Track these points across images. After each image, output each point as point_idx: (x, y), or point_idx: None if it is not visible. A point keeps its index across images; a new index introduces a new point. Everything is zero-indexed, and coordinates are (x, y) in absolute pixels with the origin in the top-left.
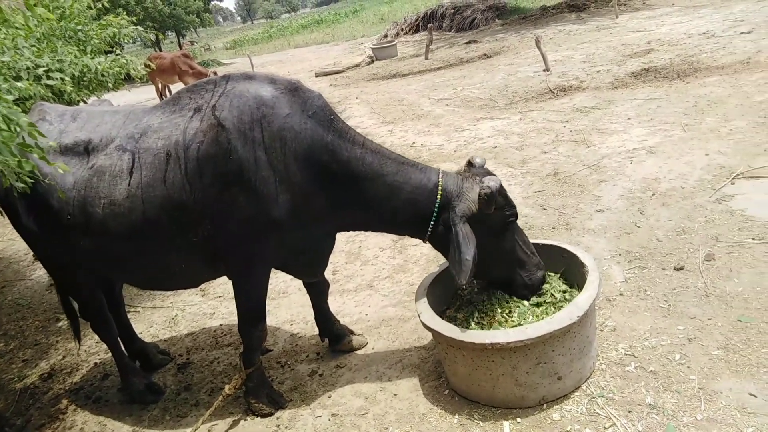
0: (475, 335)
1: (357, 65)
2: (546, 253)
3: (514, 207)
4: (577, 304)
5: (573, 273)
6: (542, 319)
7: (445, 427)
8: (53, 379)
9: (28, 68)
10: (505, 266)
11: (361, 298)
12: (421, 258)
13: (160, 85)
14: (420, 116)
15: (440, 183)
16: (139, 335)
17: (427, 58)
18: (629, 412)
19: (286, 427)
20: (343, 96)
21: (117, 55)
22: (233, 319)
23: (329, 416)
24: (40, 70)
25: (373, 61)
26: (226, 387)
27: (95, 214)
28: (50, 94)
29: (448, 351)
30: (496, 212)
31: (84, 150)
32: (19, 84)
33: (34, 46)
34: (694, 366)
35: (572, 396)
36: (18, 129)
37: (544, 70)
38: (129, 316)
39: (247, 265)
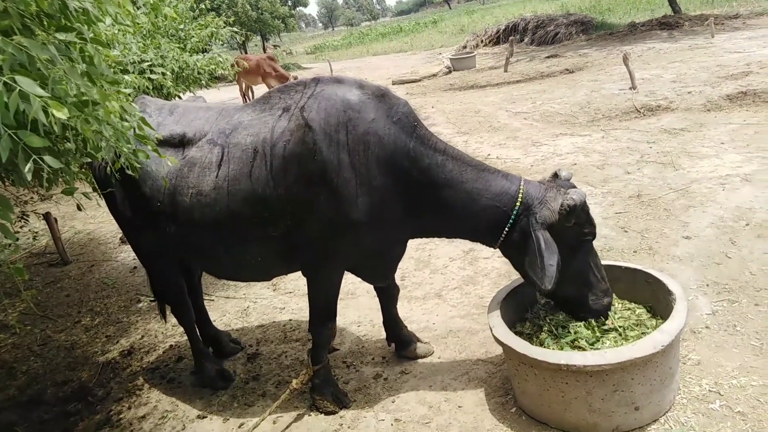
0: (550, 355)
1: (434, 75)
2: (629, 278)
3: (593, 225)
4: (663, 332)
5: (657, 300)
6: (620, 345)
7: None
8: (132, 356)
9: (134, 62)
10: (573, 285)
11: (428, 307)
12: (492, 271)
13: (243, 86)
14: (496, 128)
15: (521, 189)
16: (213, 322)
17: (506, 71)
18: None
19: (348, 427)
20: (419, 105)
21: (213, 53)
22: (302, 314)
23: (392, 421)
24: (145, 65)
25: (450, 72)
26: (294, 381)
27: (183, 203)
28: (150, 87)
29: (519, 368)
30: (575, 227)
31: (179, 142)
32: (126, 77)
33: (140, 42)
34: None
35: (648, 429)
36: (132, 119)
37: (630, 88)
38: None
39: (322, 263)
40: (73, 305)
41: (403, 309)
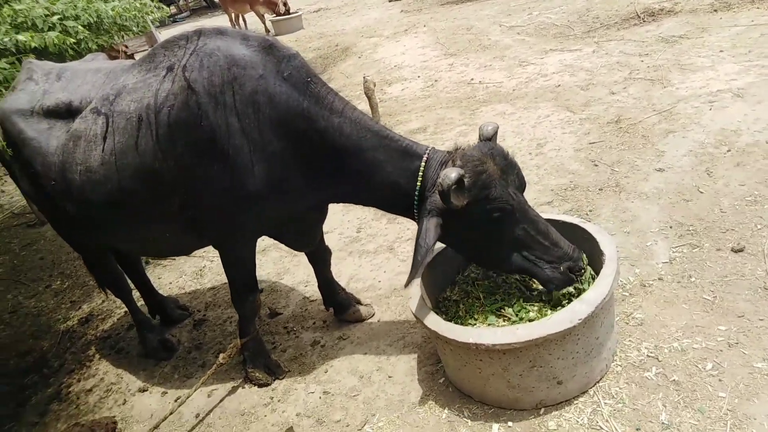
0: (460, 332)
1: None
2: (569, 234)
3: (502, 199)
4: (583, 302)
5: (593, 259)
6: (544, 314)
7: (432, 421)
8: (89, 324)
9: (40, 16)
10: (515, 261)
11: (378, 262)
12: None
13: (232, 15)
14: (486, 47)
15: (422, 167)
16: (168, 285)
17: None
18: (637, 429)
19: (279, 400)
20: (412, 23)
21: None
22: (258, 273)
23: (321, 393)
24: (55, 18)
25: None
26: (220, 356)
27: (74, 181)
28: (71, 42)
29: (437, 342)
30: (474, 205)
31: (66, 112)
32: (19, 36)
33: None
34: (728, 380)
35: (576, 402)
36: None
37: None
38: (162, 265)
39: (227, 237)
40: (45, 268)
41: (353, 264)
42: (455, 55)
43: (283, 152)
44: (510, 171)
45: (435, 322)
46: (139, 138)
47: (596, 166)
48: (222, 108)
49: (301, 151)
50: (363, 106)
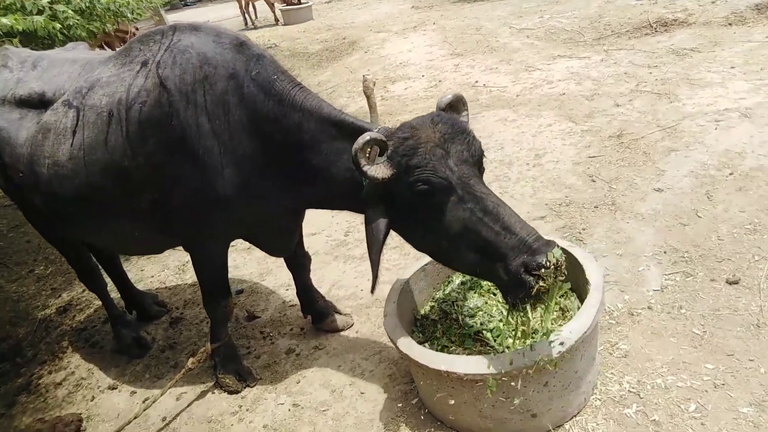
0: (431, 358)
1: None
2: None
3: (428, 168)
4: (562, 337)
5: (578, 285)
6: (526, 343)
7: None
8: (66, 314)
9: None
10: (463, 258)
11: (362, 269)
12: None
13: (243, 3)
14: (493, 49)
15: None
16: (150, 278)
17: None
18: None
19: (247, 410)
20: (421, 20)
21: None
22: (237, 272)
23: (291, 405)
24: (44, 1)
25: None
26: (189, 360)
27: (42, 174)
28: (59, 27)
29: (410, 365)
30: (399, 179)
31: (39, 102)
32: (3, 19)
33: None
34: (711, 424)
35: None
36: None
37: None
38: (146, 257)
39: (198, 240)
40: (31, 252)
41: (336, 270)
42: (462, 56)
43: (252, 154)
44: (454, 139)
45: (407, 345)
46: (109, 134)
47: (594, 181)
48: (193, 107)
49: (270, 152)
50: (362, 104)
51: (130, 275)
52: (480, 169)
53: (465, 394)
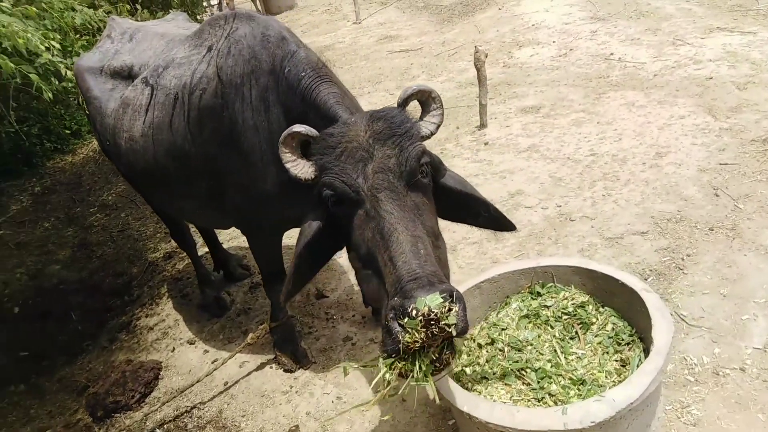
0: (457, 395)
1: None
2: (625, 298)
3: (333, 173)
4: (604, 403)
5: (640, 328)
6: (569, 393)
7: None
8: (170, 260)
9: None
10: (369, 286)
11: None
12: (525, 227)
13: None
14: (641, 14)
15: None
16: (238, 239)
17: None
18: None
19: (296, 392)
20: None
21: None
22: None
23: (335, 398)
24: None
25: None
26: (249, 336)
27: (121, 146)
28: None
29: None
30: (314, 184)
31: (128, 75)
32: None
33: None
34: None
35: None
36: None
37: None
38: None
39: (249, 231)
40: None
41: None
42: (603, 20)
43: None
44: (385, 142)
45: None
46: (173, 116)
47: (717, 196)
48: (240, 100)
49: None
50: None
51: (220, 237)
52: (411, 181)
53: None
